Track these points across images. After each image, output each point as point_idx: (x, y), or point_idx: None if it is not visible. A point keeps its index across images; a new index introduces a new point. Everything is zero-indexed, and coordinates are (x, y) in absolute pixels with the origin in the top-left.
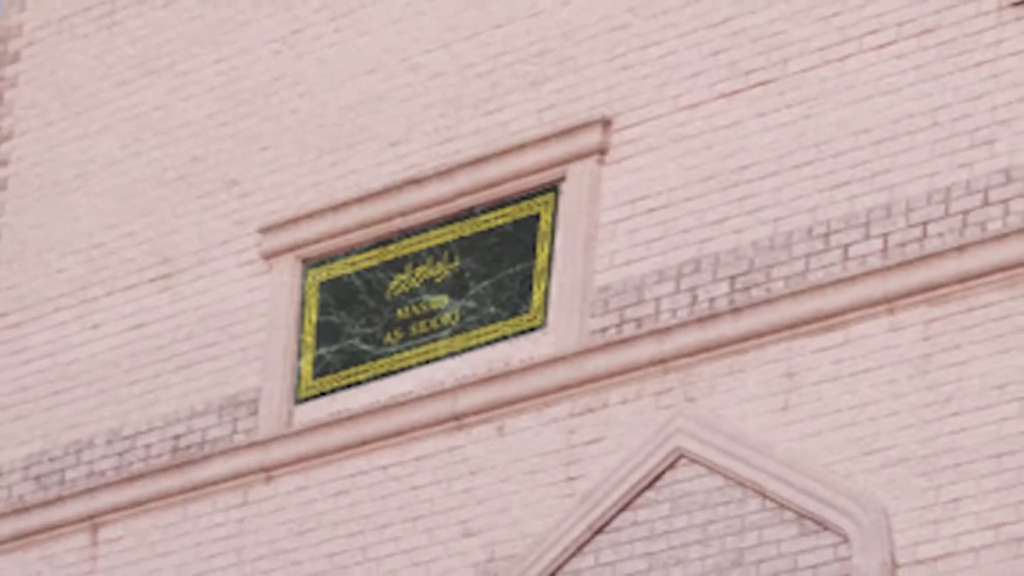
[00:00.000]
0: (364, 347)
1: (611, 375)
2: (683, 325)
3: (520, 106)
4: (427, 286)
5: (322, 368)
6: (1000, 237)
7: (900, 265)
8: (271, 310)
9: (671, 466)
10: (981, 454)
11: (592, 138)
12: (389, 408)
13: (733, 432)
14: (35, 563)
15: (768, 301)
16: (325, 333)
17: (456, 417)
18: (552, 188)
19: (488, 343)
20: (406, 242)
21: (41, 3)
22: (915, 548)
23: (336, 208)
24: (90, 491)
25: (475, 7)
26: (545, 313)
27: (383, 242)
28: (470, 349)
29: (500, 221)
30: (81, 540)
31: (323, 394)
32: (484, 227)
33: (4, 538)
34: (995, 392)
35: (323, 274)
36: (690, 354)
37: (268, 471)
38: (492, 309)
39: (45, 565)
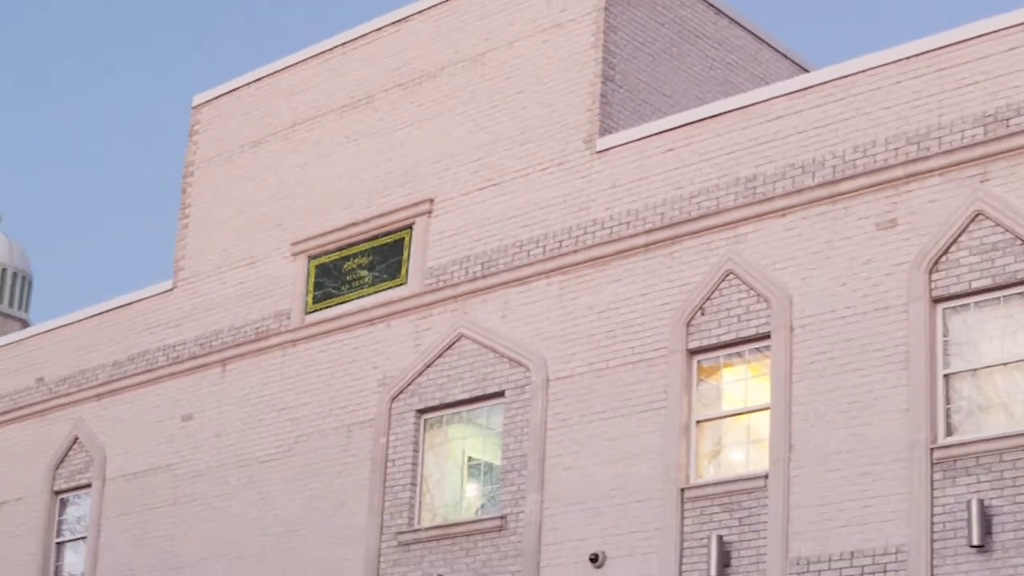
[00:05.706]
0: (333, 291)
1: (433, 304)
2: (462, 283)
3: (396, 193)
4: (358, 267)
5: (316, 300)
6: (589, 247)
7: (552, 257)
8: (294, 277)
9: (457, 340)
10: (593, 341)
11: (426, 207)
12: (343, 317)
13: (484, 327)
14: (197, 380)
15: (495, 273)
16: (317, 286)
17: (370, 321)
18: (409, 227)
19: (383, 291)
20: (348, 250)
21: (202, 149)
22: (557, 372)
23: (322, 235)
24: (220, 349)
25: (376, 152)
26: (407, 278)
27: (340, 248)
28: (376, 293)
29: (387, 241)
30: (217, 370)
31: (317, 311)
32: (381, 243)
33: (183, 370)
34: (596, 316)
35: (317, 263)
36: (466, 295)
37: (294, 342)
38: (385, 277)
39: (200, 381)
